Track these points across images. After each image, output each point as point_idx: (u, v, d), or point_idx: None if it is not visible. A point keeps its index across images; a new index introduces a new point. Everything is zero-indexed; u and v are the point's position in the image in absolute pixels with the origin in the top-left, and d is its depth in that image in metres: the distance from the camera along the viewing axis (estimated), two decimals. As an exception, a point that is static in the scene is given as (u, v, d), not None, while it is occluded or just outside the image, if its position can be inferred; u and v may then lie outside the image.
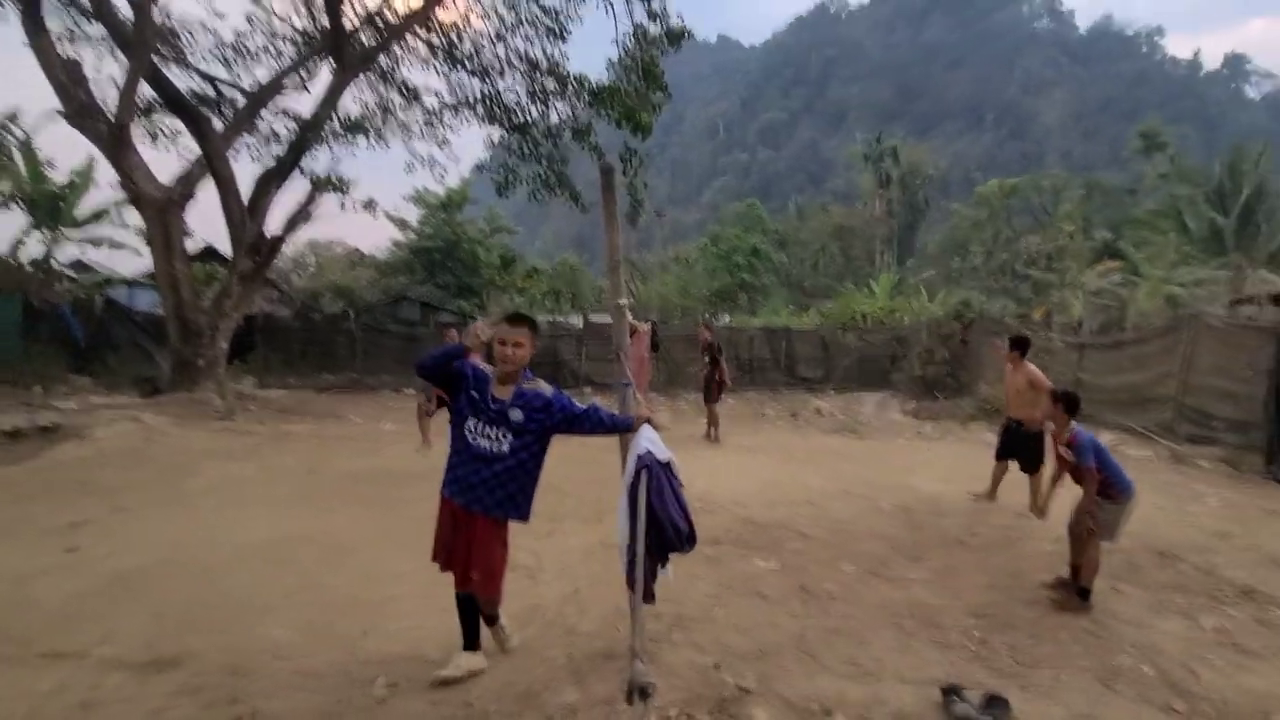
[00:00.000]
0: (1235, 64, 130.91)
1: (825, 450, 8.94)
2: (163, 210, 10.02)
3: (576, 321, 20.39)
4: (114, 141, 9.54)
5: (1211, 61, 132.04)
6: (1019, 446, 5.91)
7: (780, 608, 3.80)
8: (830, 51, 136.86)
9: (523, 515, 2.86)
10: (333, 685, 2.84)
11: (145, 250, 13.39)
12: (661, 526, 2.52)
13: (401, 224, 30.47)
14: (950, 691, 2.72)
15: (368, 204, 10.94)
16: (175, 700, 2.68)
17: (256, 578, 4.03)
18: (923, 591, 4.05)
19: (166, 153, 13.93)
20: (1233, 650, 3.34)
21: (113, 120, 9.38)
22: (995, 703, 2.64)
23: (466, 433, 2.80)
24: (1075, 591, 3.85)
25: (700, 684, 2.90)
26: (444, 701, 2.72)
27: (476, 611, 2.99)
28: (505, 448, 2.76)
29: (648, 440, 2.59)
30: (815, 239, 43.96)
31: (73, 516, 5.06)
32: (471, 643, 2.97)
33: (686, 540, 2.65)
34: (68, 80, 9.44)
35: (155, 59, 10.48)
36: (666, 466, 2.60)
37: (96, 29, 10.71)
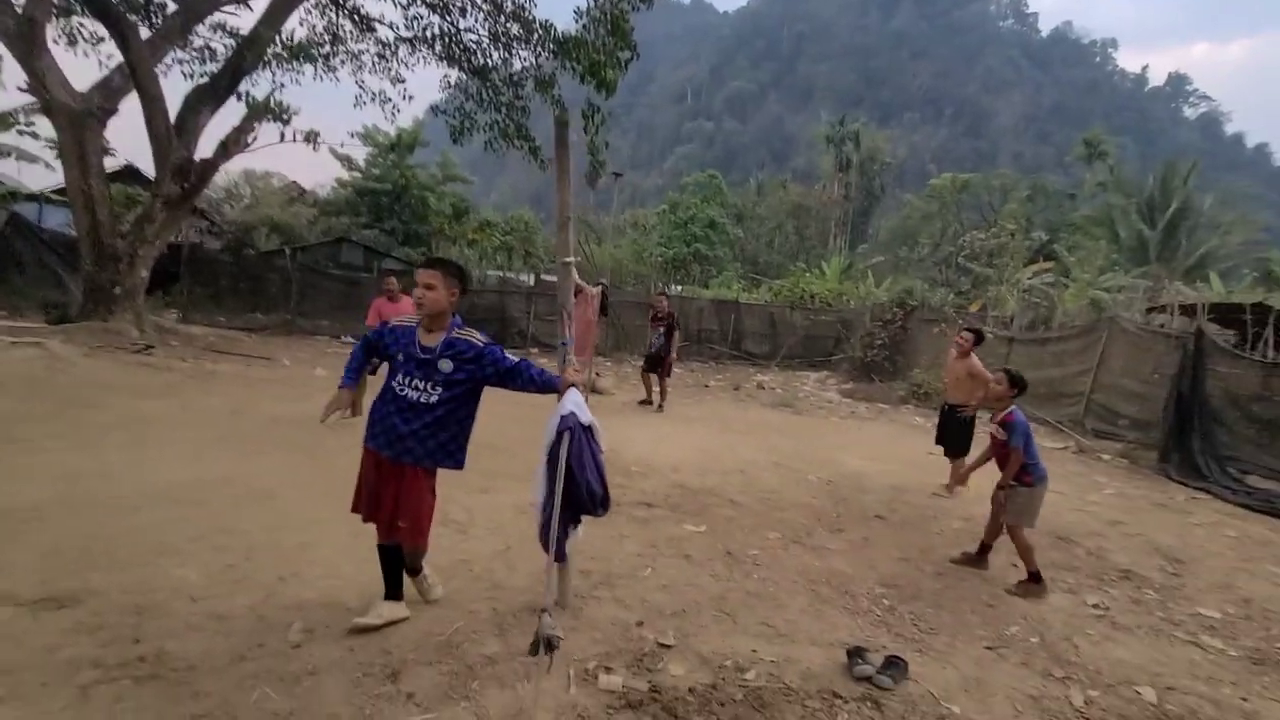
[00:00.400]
0: (1177, 83, 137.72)
1: (762, 423, 9.16)
2: (78, 121, 9.13)
3: (528, 279, 20.02)
4: (24, 39, 8.57)
5: (1157, 78, 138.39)
6: (950, 430, 6.22)
7: (704, 570, 3.90)
8: (802, 27, 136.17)
9: (457, 463, 2.81)
10: (245, 629, 2.77)
11: (59, 164, 12.26)
12: (578, 488, 2.54)
13: (348, 162, 28.97)
14: (854, 653, 2.87)
15: (309, 136, 10.24)
16: (71, 638, 2.54)
17: (166, 518, 3.85)
18: (840, 561, 4.24)
19: (87, 59, 12.67)
20: (1109, 625, 3.65)
21: (21, 14, 8.41)
22: (894, 664, 2.81)
23: (395, 384, 2.74)
24: (1028, 578, 3.98)
25: (621, 639, 2.96)
26: (361, 648, 2.68)
27: (399, 561, 2.95)
28: (434, 398, 2.69)
29: (573, 403, 2.58)
30: (773, 216, 44.29)
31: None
32: (394, 592, 2.94)
33: (600, 503, 2.68)
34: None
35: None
36: (588, 430, 2.60)
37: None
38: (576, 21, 14.47)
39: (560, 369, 3.02)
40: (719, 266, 36.28)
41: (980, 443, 5.09)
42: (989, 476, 4.38)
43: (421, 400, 2.69)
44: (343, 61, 15.83)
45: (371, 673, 2.52)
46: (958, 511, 5.55)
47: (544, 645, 2.11)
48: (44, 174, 20.68)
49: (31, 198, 18.65)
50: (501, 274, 22.14)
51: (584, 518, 2.82)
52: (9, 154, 18.09)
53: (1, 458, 4.59)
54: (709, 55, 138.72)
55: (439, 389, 2.69)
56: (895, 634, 3.31)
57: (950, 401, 6.34)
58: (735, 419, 9.37)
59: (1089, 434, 9.13)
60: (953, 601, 3.77)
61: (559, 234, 2.88)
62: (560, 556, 2.55)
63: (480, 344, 2.73)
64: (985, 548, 4.31)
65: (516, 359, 2.77)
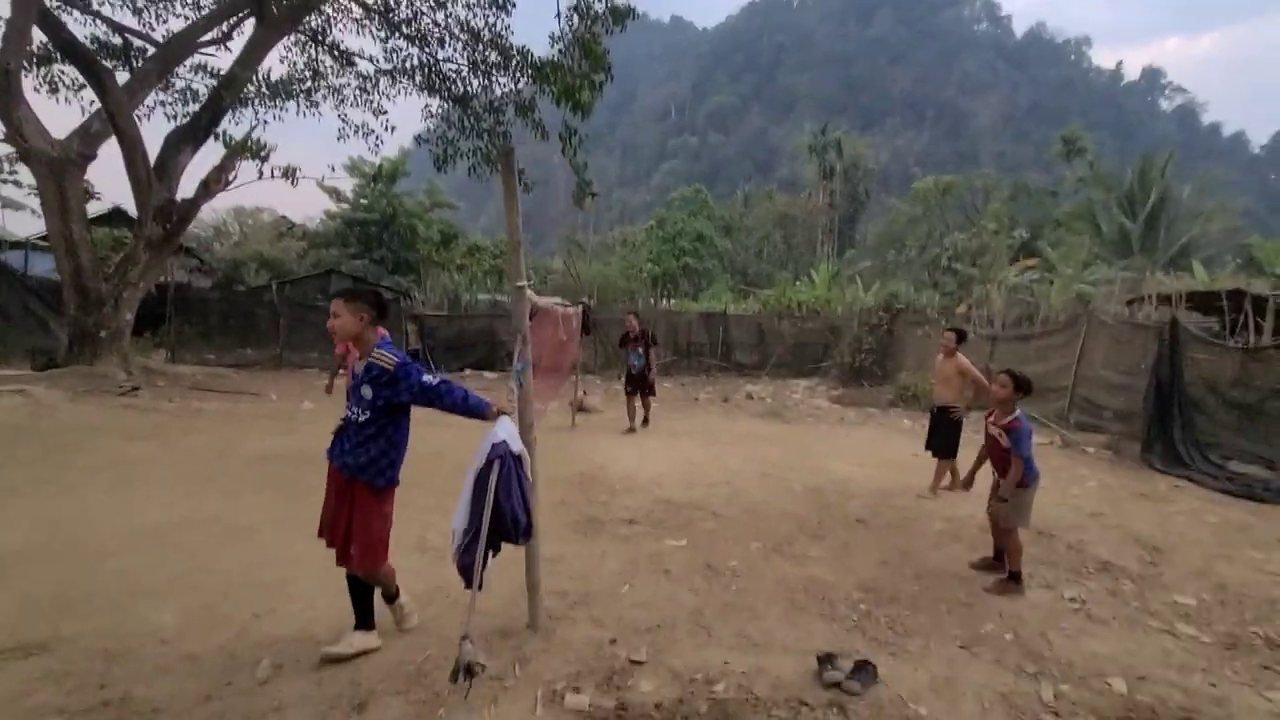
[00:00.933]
0: (1152, 77, 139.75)
1: (750, 434, 9.19)
2: (57, 168, 9.22)
3: (538, 302, 20.09)
4: (8, 91, 8.70)
5: (1131, 73, 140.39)
6: (939, 432, 6.24)
7: (683, 584, 3.92)
8: (781, 38, 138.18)
9: (389, 480, 2.87)
10: (215, 669, 2.78)
11: (35, 210, 12.39)
12: (502, 517, 2.57)
13: (335, 194, 29.20)
14: (824, 660, 2.89)
15: (287, 172, 10.32)
16: (38, 685, 2.56)
17: (143, 561, 3.86)
18: (819, 568, 4.26)
19: (69, 105, 12.83)
20: (1084, 618, 3.67)
21: (6, 68, 8.53)
22: (863, 669, 2.83)
23: (347, 404, 2.92)
24: (1008, 575, 4.00)
25: (593, 658, 2.98)
26: (330, 680, 2.70)
27: (368, 590, 2.98)
28: (364, 418, 2.82)
29: (505, 432, 2.61)
30: (760, 226, 44.63)
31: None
32: (364, 621, 2.96)
33: (523, 532, 2.71)
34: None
35: (52, 1, 9.57)
36: (518, 460, 2.64)
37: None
38: (552, 46, 14.73)
39: (519, 392, 3.07)
40: (709, 279, 36.51)
41: (971, 444, 5.11)
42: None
43: (355, 419, 2.84)
44: (324, 96, 16.07)
45: (339, 705, 2.54)
46: (940, 513, 5.57)
47: (464, 673, 2.13)
48: (30, 221, 20.79)
49: (17, 245, 18.74)
50: (493, 297, 22.21)
51: (507, 545, 2.81)
52: (-6, 203, 18.23)
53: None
54: (690, 72, 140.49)
55: (367, 410, 2.81)
56: (870, 638, 3.33)
57: (939, 403, 6.36)
58: (723, 431, 9.39)
59: (1073, 428, 9.18)
60: (930, 603, 3.79)
61: (510, 258, 2.94)
62: (479, 584, 2.57)
63: (392, 367, 2.76)
64: (1000, 552, 4.25)
65: (438, 380, 2.80)
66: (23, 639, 2.90)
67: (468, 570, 2.51)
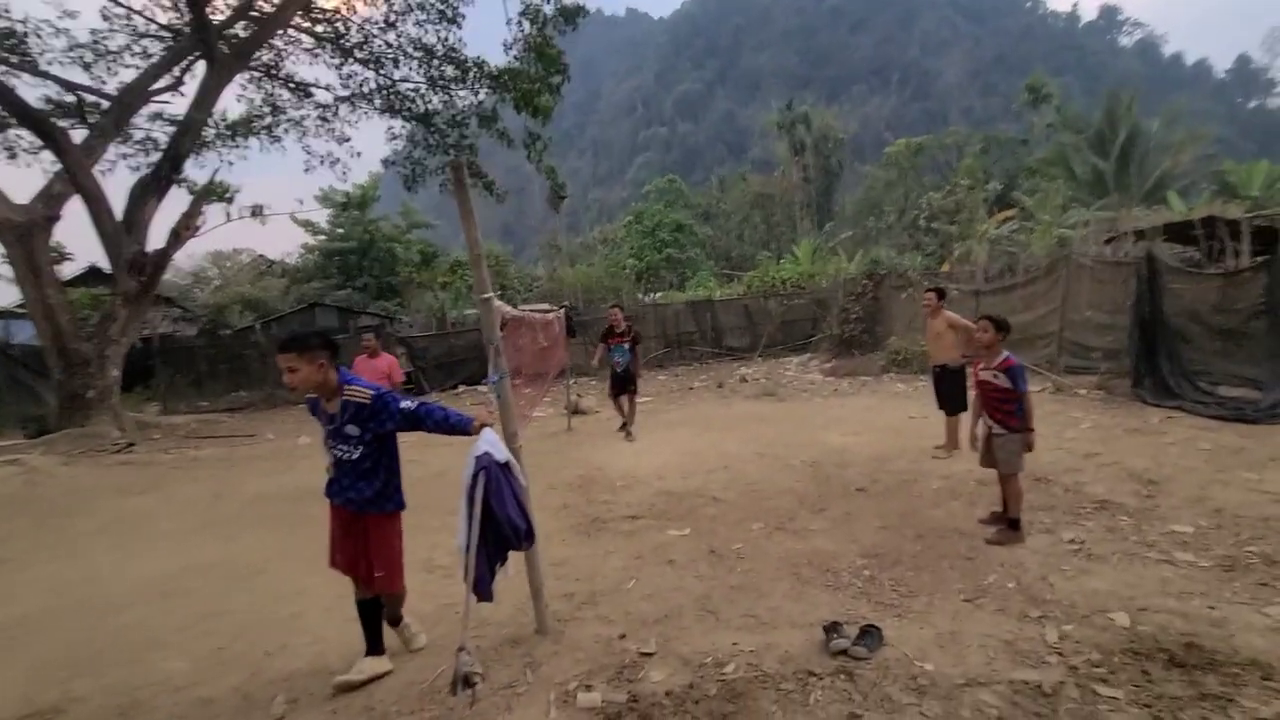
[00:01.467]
0: (1109, 15, 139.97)
1: (746, 416, 9.23)
2: (24, 234, 9.19)
3: (511, 311, 20.10)
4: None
5: (1088, 14, 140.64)
6: (943, 389, 6.27)
7: (688, 571, 3.95)
8: (738, 19, 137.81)
9: (398, 505, 2.93)
10: (229, 710, 2.80)
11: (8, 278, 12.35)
12: (500, 526, 2.59)
13: (310, 227, 29.08)
14: (830, 629, 2.93)
15: (255, 210, 10.31)
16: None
17: (150, 612, 3.88)
18: (822, 540, 4.30)
19: (29, 168, 12.77)
20: (1084, 558, 3.72)
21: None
22: (868, 633, 2.87)
23: (328, 445, 2.89)
24: (1007, 524, 4.06)
25: (603, 655, 3.00)
26: (345, 709, 2.72)
27: (377, 615, 3.00)
28: (356, 454, 2.81)
29: (487, 443, 2.63)
30: (737, 209, 44.65)
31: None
32: (375, 647, 2.98)
33: (525, 538, 2.73)
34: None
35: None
36: (505, 467, 2.66)
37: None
38: (506, 53, 14.69)
39: (499, 403, 3.09)
40: (693, 268, 36.50)
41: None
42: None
43: (346, 458, 2.82)
44: (286, 130, 16.00)
45: (351, 728, 2.56)
46: (938, 472, 5.62)
47: (462, 683, 2.15)
48: (6, 289, 20.64)
49: (-1, 315, 18.63)
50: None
51: (513, 554, 2.83)
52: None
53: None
54: (651, 63, 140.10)
55: (358, 447, 2.81)
56: (875, 603, 3.37)
57: (937, 362, 6.38)
58: (718, 416, 9.42)
59: (1064, 372, 9.24)
60: (932, 561, 3.83)
61: (473, 270, 2.95)
62: (487, 595, 2.59)
63: (370, 400, 2.76)
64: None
65: (416, 404, 2.83)
66: (37, 705, 2.91)
67: (480, 587, 2.53)
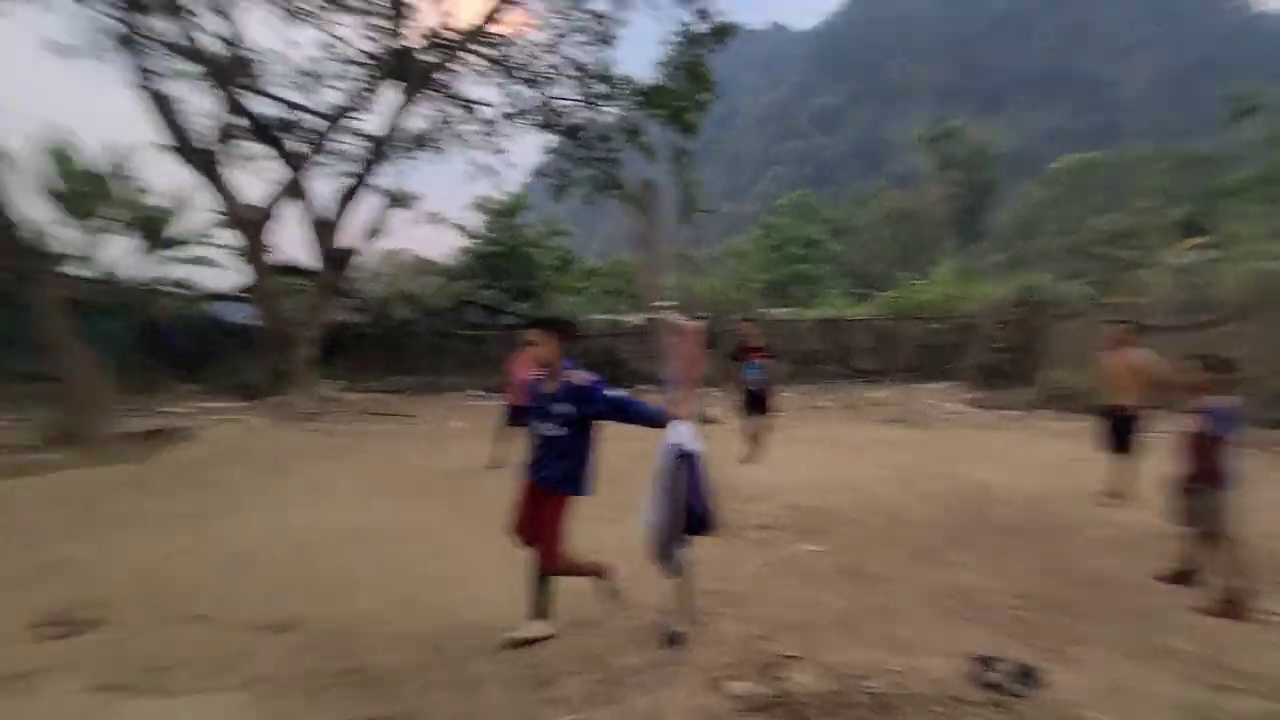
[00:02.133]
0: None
1: (878, 440, 8.95)
2: (255, 229, 10.99)
3: (636, 319, 20.80)
4: (211, 168, 10.54)
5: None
6: (1114, 432, 5.82)
7: (826, 587, 3.99)
8: (887, 30, 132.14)
9: (582, 490, 3.25)
10: (424, 648, 3.24)
11: (232, 266, 14.77)
12: (692, 510, 2.82)
13: (464, 231, 31.68)
14: (981, 661, 2.88)
15: (434, 216, 11.62)
16: (298, 655, 3.15)
17: (346, 559, 4.53)
18: (969, 575, 4.16)
19: (248, 174, 15.18)
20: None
21: (209, 150, 10.36)
22: (1025, 674, 2.79)
23: (535, 424, 3.28)
24: (1223, 599, 3.57)
25: (747, 651, 3.15)
26: (514, 662, 3.08)
27: (544, 582, 3.36)
28: (561, 434, 3.17)
29: (681, 434, 2.88)
30: (872, 226, 42.86)
31: (193, 507, 5.79)
32: (540, 611, 3.34)
33: (709, 523, 2.94)
34: (171, 115, 10.50)
35: (240, 89, 11.46)
36: (694, 459, 2.89)
37: (188, 66, 11.83)
38: (657, 71, 15.29)
39: (667, 404, 3.36)
40: (822, 284, 35.52)
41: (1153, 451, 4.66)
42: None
43: (552, 435, 3.20)
44: (452, 143, 17.65)
45: (525, 682, 2.90)
46: (1103, 519, 5.20)
47: (670, 639, 2.40)
48: (218, 274, 24.33)
49: (214, 297, 22.12)
50: (613, 318, 23.03)
51: (694, 538, 3.07)
52: (192, 261, 21.72)
53: (225, 515, 5.60)
54: (792, 76, 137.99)
55: (564, 427, 3.18)
56: (1029, 644, 3.23)
57: (1112, 403, 5.89)
58: (849, 438, 9.21)
59: (1265, 425, 8.08)
60: (1097, 611, 3.61)
61: (648, 281, 3.25)
62: (677, 570, 2.83)
63: (586, 384, 3.14)
64: (1189, 564, 3.91)
65: (622, 395, 3.16)
66: (274, 619, 3.56)
67: (665, 560, 2.80)
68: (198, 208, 18.08)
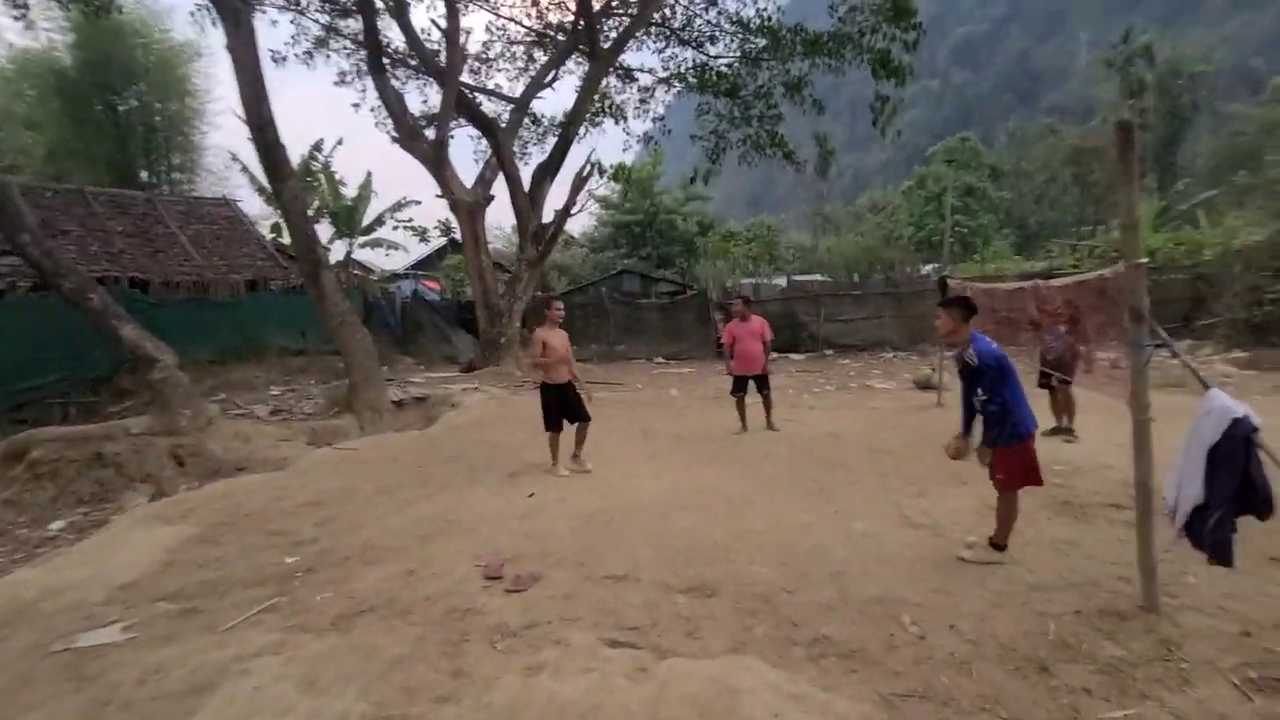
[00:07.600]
0: None
1: (1170, 408, 7.94)
2: (472, 212, 11.69)
3: (780, 282, 20.25)
4: (435, 157, 11.28)
5: None
6: None
7: (1261, 576, 3.55)
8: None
9: (1020, 439, 3.65)
10: (862, 619, 3.20)
11: (414, 249, 15.93)
12: (1255, 490, 2.52)
13: (602, 201, 32.22)
14: None
15: (591, 194, 11.67)
16: (751, 621, 3.18)
17: (690, 521, 4.65)
18: None
19: (461, 160, 16.15)
20: None
21: (433, 140, 11.06)
22: None
23: (967, 395, 3.83)
24: None
25: (1237, 646, 2.84)
26: (982, 642, 2.97)
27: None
28: (980, 400, 3.67)
29: (1229, 404, 2.57)
30: (1041, 169, 38.43)
31: (502, 468, 6.26)
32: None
33: (1270, 504, 2.61)
34: (399, 110, 11.31)
35: (455, 83, 12.11)
36: (1255, 431, 2.57)
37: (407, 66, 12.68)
38: (832, 16, 14.37)
39: (1134, 373, 3.06)
40: (984, 237, 32.51)
41: None
42: None
43: (978, 402, 3.68)
44: (610, 113, 17.79)
45: (1026, 668, 2.76)
46: None
47: None
48: (401, 257, 26.54)
49: (399, 277, 24.15)
50: (754, 281, 22.59)
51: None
52: (382, 245, 23.74)
53: (539, 475, 5.98)
54: (925, 6, 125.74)
55: (980, 394, 3.66)
56: None
57: None
58: (1121, 406, 8.26)
59: None
60: None
61: (1125, 236, 2.92)
62: (1227, 559, 2.56)
63: (974, 363, 3.59)
64: None
65: (1003, 386, 3.60)
66: (688, 581, 3.68)
67: (1220, 551, 2.57)
68: (383, 195, 19.61)
